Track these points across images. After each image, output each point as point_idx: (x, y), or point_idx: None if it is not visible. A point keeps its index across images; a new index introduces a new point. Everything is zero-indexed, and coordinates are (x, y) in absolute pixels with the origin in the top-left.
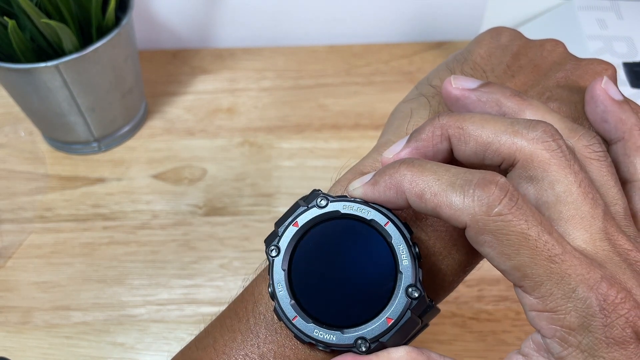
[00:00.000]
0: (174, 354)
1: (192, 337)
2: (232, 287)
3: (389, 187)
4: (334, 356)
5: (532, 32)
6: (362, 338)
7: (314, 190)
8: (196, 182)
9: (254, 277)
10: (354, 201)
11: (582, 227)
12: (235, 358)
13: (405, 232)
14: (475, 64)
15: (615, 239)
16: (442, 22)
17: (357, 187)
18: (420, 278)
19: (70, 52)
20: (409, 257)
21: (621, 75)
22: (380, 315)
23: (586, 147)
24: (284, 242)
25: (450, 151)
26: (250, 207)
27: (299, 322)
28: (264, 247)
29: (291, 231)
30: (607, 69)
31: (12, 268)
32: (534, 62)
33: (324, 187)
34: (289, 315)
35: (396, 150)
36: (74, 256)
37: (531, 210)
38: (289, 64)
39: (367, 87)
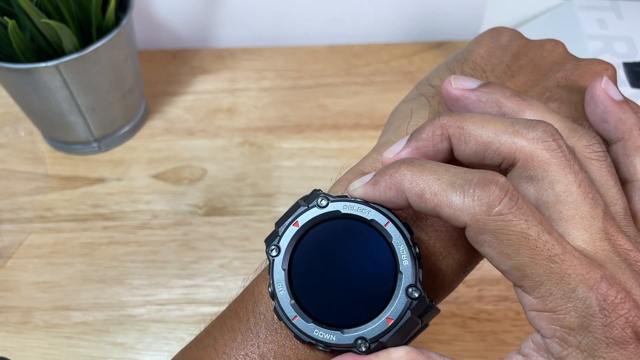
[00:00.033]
0: (174, 354)
1: (192, 337)
2: (232, 287)
3: (389, 187)
4: (334, 356)
5: (532, 32)
6: (362, 338)
7: (315, 190)
8: (196, 182)
9: (254, 277)
10: (355, 201)
11: (582, 227)
12: (236, 358)
13: (406, 232)
14: (475, 64)
15: (615, 239)
16: (442, 22)
17: (358, 187)
18: (421, 278)
19: (70, 52)
20: (409, 258)
21: (621, 75)
22: (380, 315)
23: (586, 147)
24: (285, 242)
25: (451, 151)
26: (250, 207)
27: (299, 321)
28: (264, 247)
29: (291, 231)
30: (607, 69)
31: (12, 268)
32: (534, 62)
33: (324, 187)
34: (289, 315)
35: (396, 150)
36: (74, 256)
37: (531, 210)
38: (289, 64)
39: (367, 87)
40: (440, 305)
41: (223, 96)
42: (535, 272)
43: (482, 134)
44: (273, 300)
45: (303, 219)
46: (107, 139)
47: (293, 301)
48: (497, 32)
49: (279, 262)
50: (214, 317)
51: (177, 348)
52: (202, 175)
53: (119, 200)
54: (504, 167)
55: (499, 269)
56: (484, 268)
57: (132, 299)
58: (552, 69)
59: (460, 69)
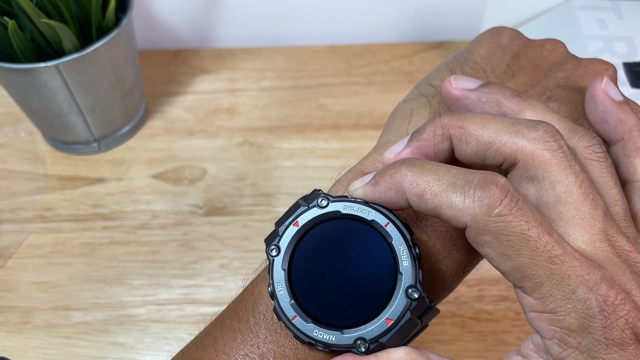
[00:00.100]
0: (174, 354)
1: (192, 337)
2: (232, 287)
3: (390, 187)
4: (334, 356)
5: (532, 32)
6: (362, 338)
7: (315, 190)
8: (196, 182)
9: (254, 277)
10: (355, 201)
11: (582, 228)
12: (235, 358)
13: (406, 232)
14: (475, 64)
15: (615, 240)
16: (442, 22)
17: (358, 187)
18: (420, 279)
19: (70, 52)
20: (409, 258)
21: (621, 75)
22: (380, 315)
23: (586, 147)
24: (284, 242)
25: (451, 151)
26: (250, 207)
27: (299, 321)
28: (264, 247)
29: (292, 231)
30: (608, 69)
31: (12, 268)
32: (534, 62)
33: (324, 187)
34: (288, 315)
35: (397, 150)
36: (74, 256)
37: (532, 211)
38: (289, 64)
39: (367, 87)
40: (440, 305)
41: (223, 96)
42: (536, 273)
43: (483, 134)
44: (273, 300)
45: (303, 219)
46: (107, 139)
47: (293, 301)
48: (497, 32)
49: (278, 262)
50: (214, 317)
51: (177, 348)
52: (202, 175)
53: (119, 200)
54: (504, 167)
55: (499, 270)
56: (484, 268)
57: (132, 299)
58: (552, 69)
59: (460, 69)
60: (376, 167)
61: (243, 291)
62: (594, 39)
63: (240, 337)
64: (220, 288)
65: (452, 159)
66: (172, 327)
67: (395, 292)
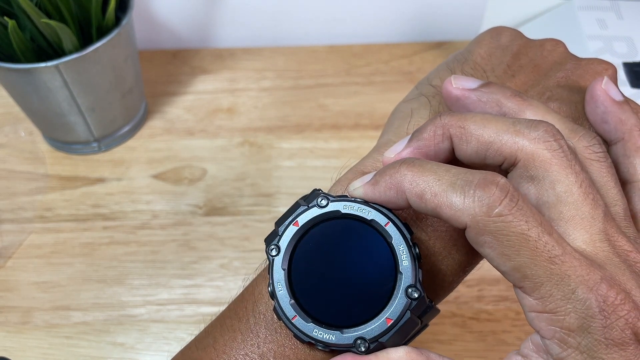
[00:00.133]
0: (174, 354)
1: (192, 337)
2: (232, 287)
3: (390, 187)
4: (334, 356)
5: (532, 32)
6: (362, 338)
7: (315, 190)
8: (196, 182)
9: (254, 276)
10: (355, 201)
11: (582, 228)
12: (235, 358)
13: (406, 232)
14: (475, 63)
15: (615, 240)
16: (442, 22)
17: (358, 187)
18: (420, 279)
19: (70, 52)
20: (409, 258)
21: (621, 75)
22: (380, 315)
23: (586, 147)
24: (284, 242)
25: (452, 151)
26: (250, 207)
27: (299, 321)
28: (264, 247)
29: (291, 230)
30: (608, 68)
31: (12, 268)
32: (534, 62)
33: (324, 187)
34: (288, 314)
35: (398, 149)
36: (74, 256)
37: (531, 211)
38: (289, 64)
39: (367, 87)
40: (440, 305)
41: (223, 96)
42: (535, 274)
43: (484, 134)
44: (273, 300)
45: (303, 219)
46: (107, 139)
47: (293, 301)
48: (497, 32)
49: (278, 262)
50: (214, 317)
51: (177, 348)
52: (202, 175)
53: (119, 200)
54: (505, 167)
55: (499, 270)
56: (484, 268)
57: (132, 299)
58: (552, 69)
59: (460, 69)
60: (376, 167)
61: (243, 291)
62: (594, 39)
63: (240, 337)
64: (220, 288)
65: (452, 159)
66: (172, 327)
67: (395, 292)
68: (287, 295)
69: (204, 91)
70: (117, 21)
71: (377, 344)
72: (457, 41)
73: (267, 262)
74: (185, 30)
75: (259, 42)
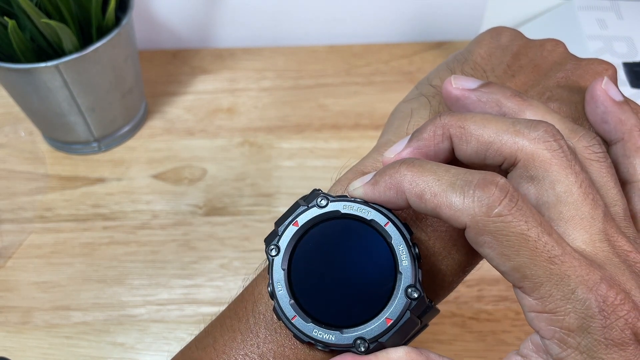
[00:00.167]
0: (174, 354)
1: (192, 337)
2: (232, 287)
3: (389, 187)
4: (333, 356)
5: (532, 32)
6: (361, 338)
7: (314, 190)
8: (196, 182)
9: (254, 277)
10: (354, 201)
11: (582, 228)
12: (235, 358)
13: (405, 232)
14: (475, 63)
15: (614, 240)
16: (442, 22)
17: (358, 187)
18: (420, 279)
19: (70, 52)
20: (409, 258)
21: (621, 75)
22: (380, 315)
23: (586, 148)
24: (284, 242)
25: (452, 151)
26: (250, 207)
27: (298, 321)
28: (264, 247)
29: (291, 231)
30: (608, 69)
31: (12, 268)
32: (534, 62)
33: (324, 187)
34: (288, 314)
35: (397, 150)
36: (74, 256)
37: (531, 211)
38: (289, 64)
39: (367, 87)
40: (440, 305)
41: (223, 96)
42: (535, 274)
43: (484, 134)
44: (272, 300)
45: (303, 219)
46: (107, 139)
47: (292, 301)
48: (497, 32)
49: (278, 262)
50: (214, 317)
51: (177, 348)
52: (202, 175)
53: (119, 200)
54: (505, 167)
55: (498, 270)
56: (483, 268)
57: (132, 299)
58: (552, 69)
59: (460, 69)
60: (376, 167)
61: (243, 291)
62: (594, 39)
63: (240, 337)
64: (220, 288)
65: (452, 159)
66: (172, 327)
67: (394, 292)
68: (287, 295)
69: (204, 91)
70: (117, 21)
71: (377, 344)
72: (457, 41)
73: (267, 262)
74: (185, 30)
75: (259, 42)
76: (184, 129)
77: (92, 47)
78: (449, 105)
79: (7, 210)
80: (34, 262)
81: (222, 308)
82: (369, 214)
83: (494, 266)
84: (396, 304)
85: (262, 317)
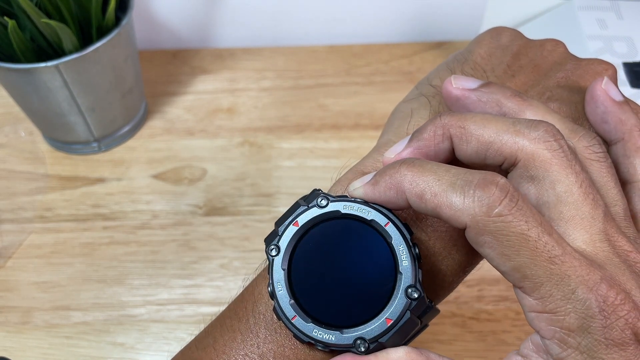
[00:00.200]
0: (174, 354)
1: (192, 337)
2: (232, 287)
3: (389, 187)
4: (333, 356)
5: (532, 32)
6: (361, 338)
7: (315, 190)
8: (196, 182)
9: (254, 277)
10: (355, 201)
11: (582, 228)
12: (235, 358)
13: (406, 232)
14: (475, 63)
15: (615, 240)
16: (442, 22)
17: (358, 187)
18: (420, 279)
19: (70, 52)
20: (409, 258)
21: (621, 75)
22: (380, 315)
23: (586, 147)
24: (284, 242)
25: (452, 151)
26: (250, 207)
27: (298, 321)
28: (264, 247)
29: (291, 231)
30: (608, 69)
31: (12, 268)
32: (534, 62)
33: (324, 187)
34: (288, 314)
35: (398, 150)
36: (74, 256)
37: (531, 211)
38: (289, 64)
39: (367, 87)
40: (440, 305)
41: (223, 96)
42: (535, 274)
43: (484, 134)
44: (272, 300)
45: (303, 219)
46: (107, 139)
47: (292, 301)
48: (497, 32)
49: (278, 262)
50: (214, 317)
51: (177, 348)
52: (202, 175)
53: (119, 200)
54: (505, 167)
55: (499, 270)
56: (484, 268)
57: (132, 299)
58: (552, 69)
59: (460, 69)
60: (376, 167)
61: (243, 291)
62: (594, 39)
63: (240, 337)
64: (220, 288)
65: (452, 159)
66: (172, 327)
67: (395, 292)
68: (287, 295)
69: (204, 91)
70: (117, 21)
71: (377, 344)
72: (457, 41)
73: (267, 262)
74: (185, 30)
75: (259, 42)
76: (184, 129)
77: (92, 47)
78: (449, 105)
79: (7, 210)
80: (34, 262)
81: (222, 308)
82: (369, 214)
83: (494, 266)
84: (396, 304)
85: (262, 317)
